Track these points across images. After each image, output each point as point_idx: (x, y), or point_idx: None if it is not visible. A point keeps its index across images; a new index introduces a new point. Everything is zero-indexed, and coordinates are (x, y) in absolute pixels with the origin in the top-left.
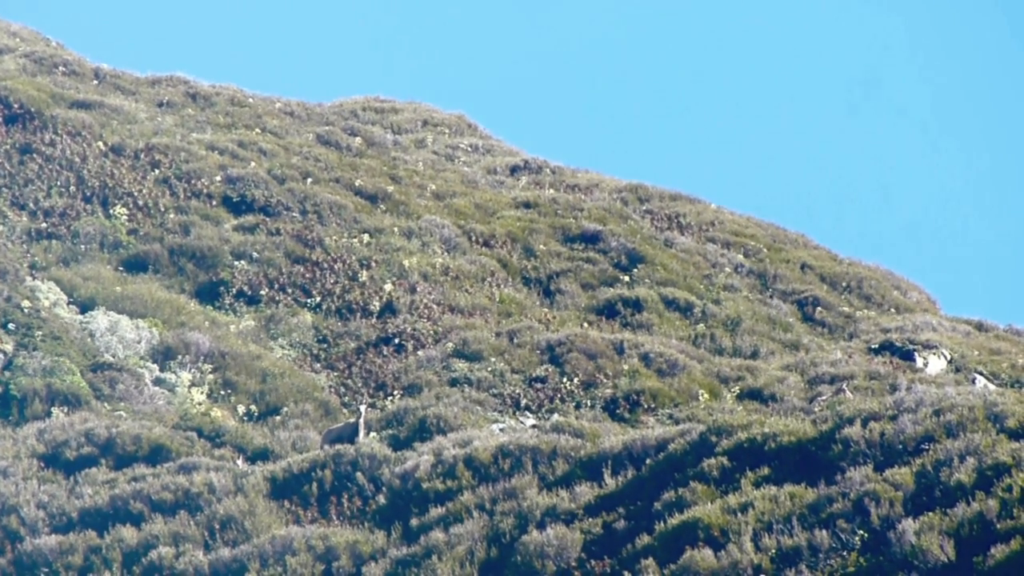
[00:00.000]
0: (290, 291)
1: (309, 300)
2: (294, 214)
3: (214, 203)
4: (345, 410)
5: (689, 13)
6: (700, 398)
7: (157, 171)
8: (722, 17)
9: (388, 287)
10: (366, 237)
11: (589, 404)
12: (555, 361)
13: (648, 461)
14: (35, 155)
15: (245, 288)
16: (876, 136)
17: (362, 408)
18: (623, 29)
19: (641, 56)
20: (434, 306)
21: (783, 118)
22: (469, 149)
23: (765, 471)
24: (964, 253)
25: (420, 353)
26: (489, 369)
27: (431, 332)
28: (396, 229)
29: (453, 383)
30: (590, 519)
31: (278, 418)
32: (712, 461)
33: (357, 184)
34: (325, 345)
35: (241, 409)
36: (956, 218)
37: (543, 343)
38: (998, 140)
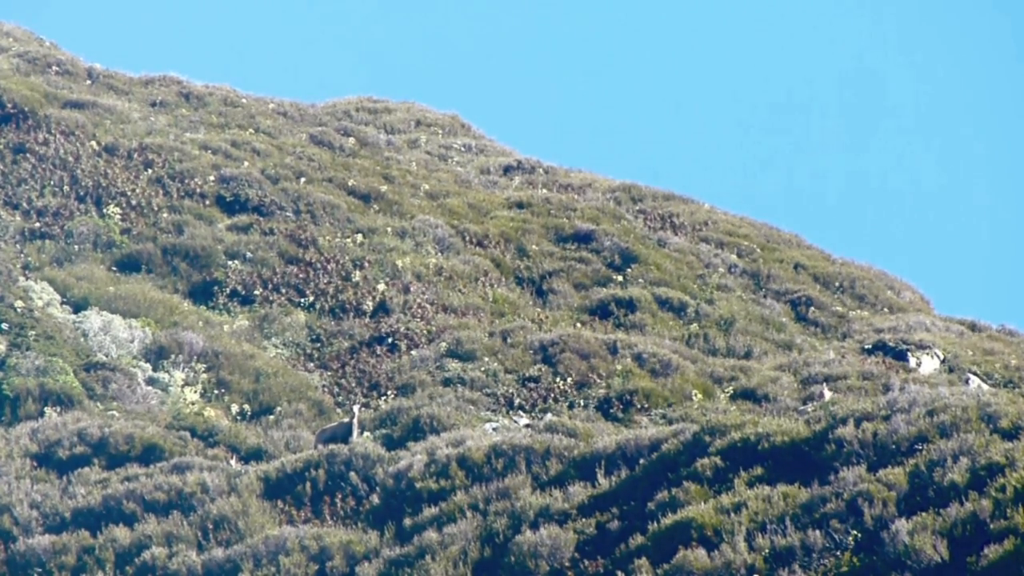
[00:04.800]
0: (284, 291)
1: (303, 300)
2: (287, 214)
3: (207, 203)
4: (339, 410)
5: (684, 12)
6: (693, 398)
7: (150, 171)
8: (717, 16)
9: (381, 287)
10: (359, 237)
11: (582, 404)
12: (548, 361)
13: (641, 461)
14: (28, 155)
15: (239, 288)
16: (871, 135)
17: (356, 408)
18: (617, 29)
19: (636, 55)
20: (427, 306)
21: (779, 117)
22: (462, 149)
23: (758, 471)
24: (958, 253)
25: (414, 353)
26: (482, 369)
27: (424, 332)
28: (389, 229)
29: (446, 383)
30: (583, 519)
31: (272, 418)
32: (705, 461)
33: (350, 184)
34: (319, 345)
35: (234, 408)
36: (951, 218)
37: (536, 343)
38: (994, 140)
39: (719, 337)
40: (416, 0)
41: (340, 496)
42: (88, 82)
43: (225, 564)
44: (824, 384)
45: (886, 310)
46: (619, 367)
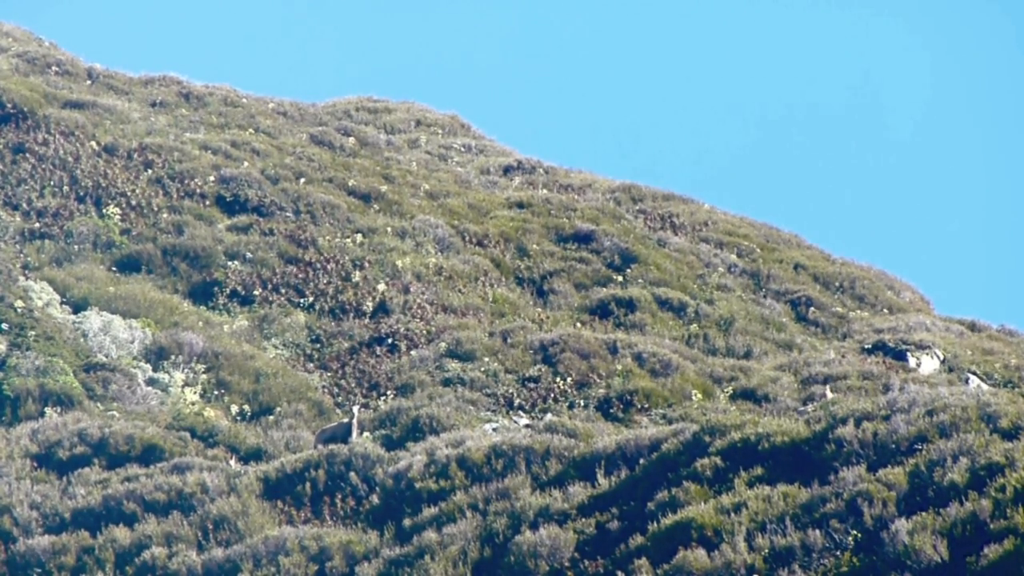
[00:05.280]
0: (283, 291)
1: (302, 300)
2: (287, 214)
3: (207, 203)
4: (338, 410)
5: (684, 13)
6: (693, 398)
7: (150, 171)
8: (718, 16)
9: (381, 287)
10: (359, 237)
11: (582, 404)
12: (548, 361)
13: (641, 461)
14: (28, 155)
15: (238, 288)
16: (872, 135)
17: (355, 408)
18: (618, 29)
19: (636, 56)
20: (427, 306)
21: (779, 118)
22: (462, 149)
23: (758, 471)
24: (958, 253)
25: (413, 353)
26: (482, 369)
27: (424, 332)
28: (389, 229)
29: (446, 383)
30: (583, 519)
31: (271, 418)
32: (705, 461)
33: (350, 184)
34: (318, 345)
35: (234, 409)
36: (951, 218)
37: (536, 343)
38: (995, 140)
39: (719, 337)
40: (416, 0)
41: (340, 496)
42: (88, 82)
43: (225, 564)
44: (825, 384)
45: (886, 310)
46: (619, 367)
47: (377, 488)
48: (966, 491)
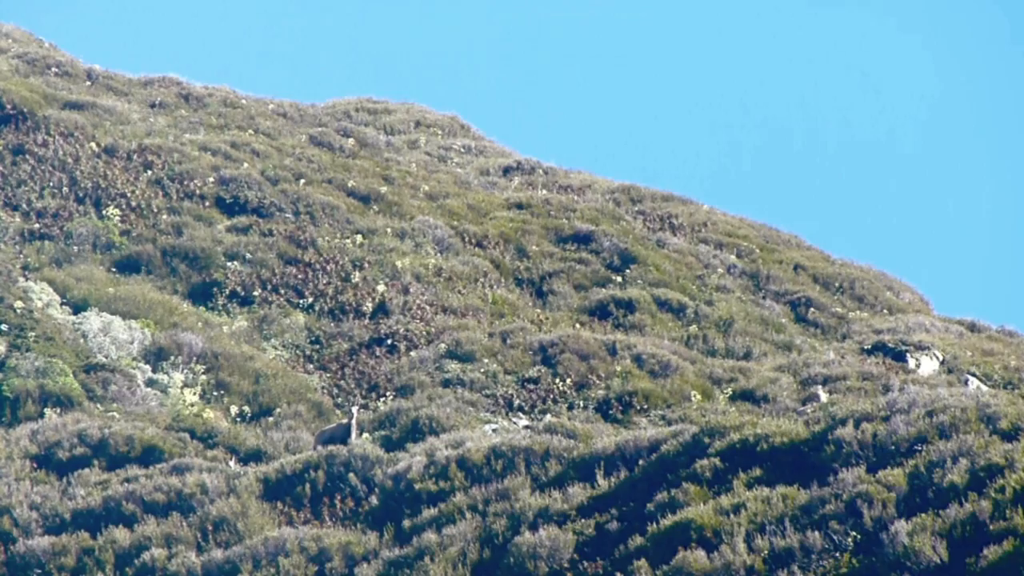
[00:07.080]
0: (283, 292)
1: (302, 301)
2: (287, 215)
3: (207, 204)
4: (338, 411)
5: (683, 13)
6: (693, 399)
7: (150, 172)
8: (717, 17)
9: (381, 288)
10: (359, 238)
11: (582, 405)
12: (548, 362)
13: (641, 462)
14: (28, 156)
15: (238, 289)
16: (873, 135)
17: (355, 409)
18: (618, 29)
19: (636, 56)
20: (427, 307)
21: (779, 119)
22: (462, 150)
23: (758, 472)
24: (958, 253)
25: (413, 354)
26: (482, 370)
27: (424, 333)
28: (389, 230)
29: (446, 384)
30: (583, 520)
31: (271, 419)
32: (705, 462)
33: (350, 185)
34: (318, 346)
35: (234, 410)
36: (951, 218)
37: (536, 344)
38: (996, 140)
39: (718, 338)
40: (416, 1)
41: (339, 497)
42: (87, 83)
43: (224, 565)
44: (822, 386)
45: (885, 311)
46: (618, 368)
47: (376, 489)
48: (966, 492)
